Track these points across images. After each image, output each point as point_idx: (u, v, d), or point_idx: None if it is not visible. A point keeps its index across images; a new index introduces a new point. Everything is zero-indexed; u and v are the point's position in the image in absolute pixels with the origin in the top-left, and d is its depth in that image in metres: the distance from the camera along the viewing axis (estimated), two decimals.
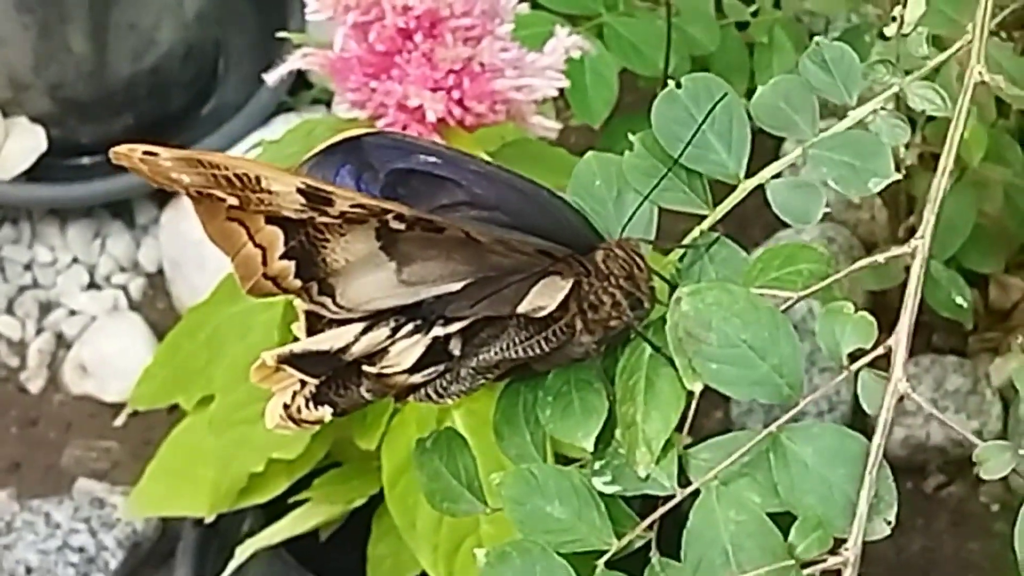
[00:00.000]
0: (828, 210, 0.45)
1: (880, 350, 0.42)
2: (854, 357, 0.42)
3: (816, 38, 0.47)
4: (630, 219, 0.45)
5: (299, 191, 0.40)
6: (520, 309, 0.43)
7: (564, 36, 0.69)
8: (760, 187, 0.45)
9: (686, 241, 0.46)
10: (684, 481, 0.42)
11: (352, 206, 0.41)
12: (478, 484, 0.47)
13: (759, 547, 0.40)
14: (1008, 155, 0.85)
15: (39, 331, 1.08)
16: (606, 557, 0.42)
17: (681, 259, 0.46)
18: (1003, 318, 0.99)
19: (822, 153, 0.45)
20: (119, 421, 1.02)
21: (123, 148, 0.40)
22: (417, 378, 0.45)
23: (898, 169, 0.45)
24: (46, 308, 1.09)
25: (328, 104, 1.13)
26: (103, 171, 1.10)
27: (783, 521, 0.41)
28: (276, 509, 0.79)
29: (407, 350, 0.44)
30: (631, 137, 0.46)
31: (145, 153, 0.40)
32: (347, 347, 0.43)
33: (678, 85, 0.46)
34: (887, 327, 0.42)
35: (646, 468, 0.42)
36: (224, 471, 0.74)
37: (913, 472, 0.98)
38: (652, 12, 0.90)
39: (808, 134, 0.46)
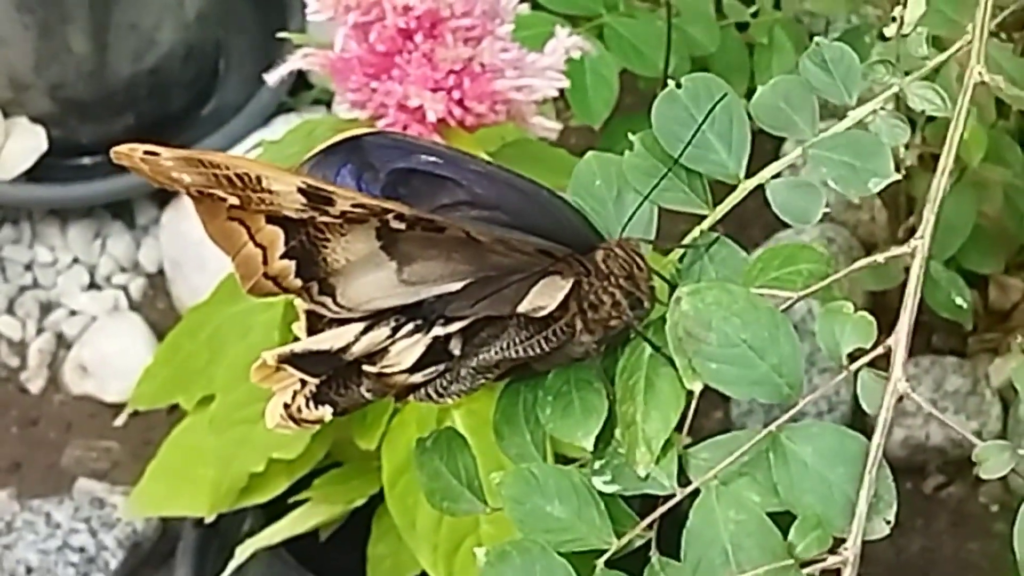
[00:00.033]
0: (828, 210, 0.45)
1: (880, 350, 0.42)
2: (853, 357, 0.42)
3: (816, 38, 0.47)
4: (630, 219, 0.45)
5: (300, 191, 0.40)
6: (520, 309, 0.43)
7: (564, 37, 0.69)
8: (760, 187, 0.45)
9: (686, 241, 0.46)
10: (684, 481, 0.42)
11: (353, 206, 0.41)
12: (478, 483, 0.47)
13: (759, 546, 0.40)
14: (1008, 156, 0.85)
15: (39, 331, 1.08)
16: (606, 556, 0.42)
17: (681, 259, 0.46)
18: (1002, 319, 0.99)
19: (822, 153, 0.45)
20: (119, 421, 1.02)
21: (124, 148, 0.40)
22: (417, 378, 0.45)
23: (898, 169, 0.45)
24: (46, 308, 1.09)
25: (328, 104, 1.13)
26: (104, 171, 1.10)
27: (783, 521, 0.41)
28: (276, 509, 0.79)
29: (407, 350, 0.44)
30: (631, 137, 0.46)
31: (146, 153, 0.40)
32: (347, 347, 0.43)
33: (678, 85, 0.46)
34: (887, 328, 0.42)
35: (646, 467, 0.42)
36: (224, 471, 0.74)
37: (912, 473, 0.98)
38: (652, 13, 0.91)
39: (808, 134, 0.46)
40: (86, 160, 1.12)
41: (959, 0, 0.64)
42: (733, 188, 0.46)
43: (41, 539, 0.95)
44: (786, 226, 0.99)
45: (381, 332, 0.44)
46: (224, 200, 0.40)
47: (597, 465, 0.43)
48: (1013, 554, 0.40)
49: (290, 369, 0.44)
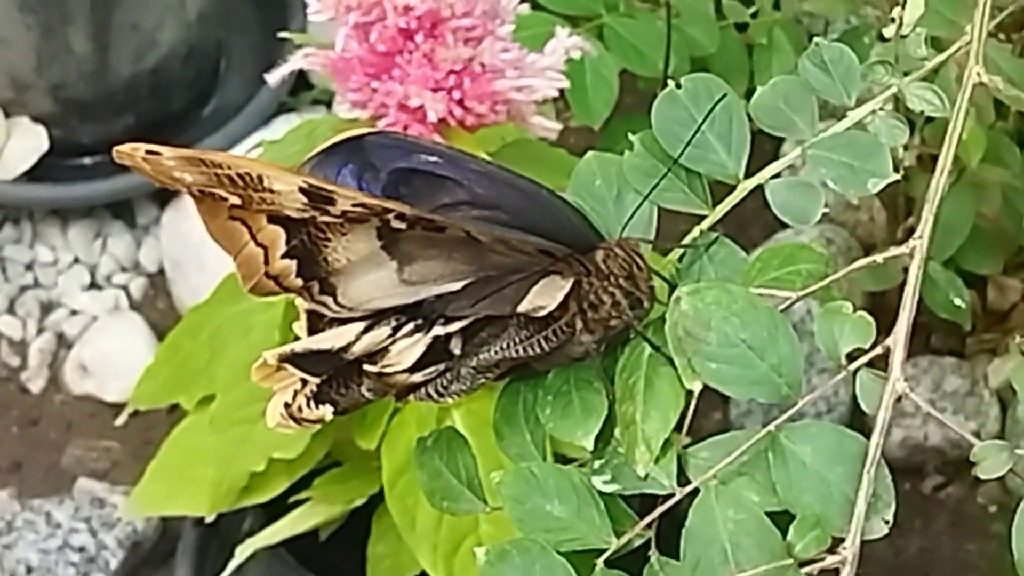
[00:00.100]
0: (827, 211, 0.45)
1: (878, 350, 0.42)
2: (852, 357, 0.42)
3: (815, 39, 0.47)
4: (630, 219, 0.45)
5: (301, 190, 0.40)
6: (520, 308, 0.43)
7: (564, 37, 0.69)
8: (759, 187, 0.45)
9: (686, 241, 0.46)
10: (683, 480, 0.42)
11: (354, 205, 0.41)
12: (478, 483, 0.47)
13: (757, 546, 0.40)
14: (1006, 157, 0.85)
15: (40, 331, 1.08)
16: (605, 556, 0.42)
17: (680, 259, 0.46)
18: (1001, 319, 0.99)
19: (821, 154, 0.45)
20: (120, 421, 1.02)
21: (126, 147, 0.40)
22: (418, 377, 0.45)
23: (896, 170, 0.45)
24: (47, 308, 1.09)
25: (328, 104, 1.13)
26: (104, 171, 1.10)
27: (781, 520, 0.41)
28: (276, 509, 0.79)
29: (408, 349, 0.44)
30: (631, 137, 0.46)
31: (148, 152, 0.40)
32: (348, 346, 0.43)
33: (678, 85, 0.46)
34: (885, 328, 0.42)
35: (645, 467, 0.42)
36: (224, 470, 0.75)
37: (911, 473, 0.98)
38: (652, 13, 0.91)
39: (807, 135, 0.46)
40: (87, 160, 1.13)
41: (958, 1, 0.64)
42: (733, 188, 0.46)
43: (41, 539, 0.95)
44: (785, 226, 0.99)
45: (382, 332, 0.44)
46: (225, 200, 0.41)
47: (597, 465, 0.43)
48: (1011, 554, 0.40)
49: (291, 368, 0.44)
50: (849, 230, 1.03)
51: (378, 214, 0.41)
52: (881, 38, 0.51)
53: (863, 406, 0.42)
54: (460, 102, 0.66)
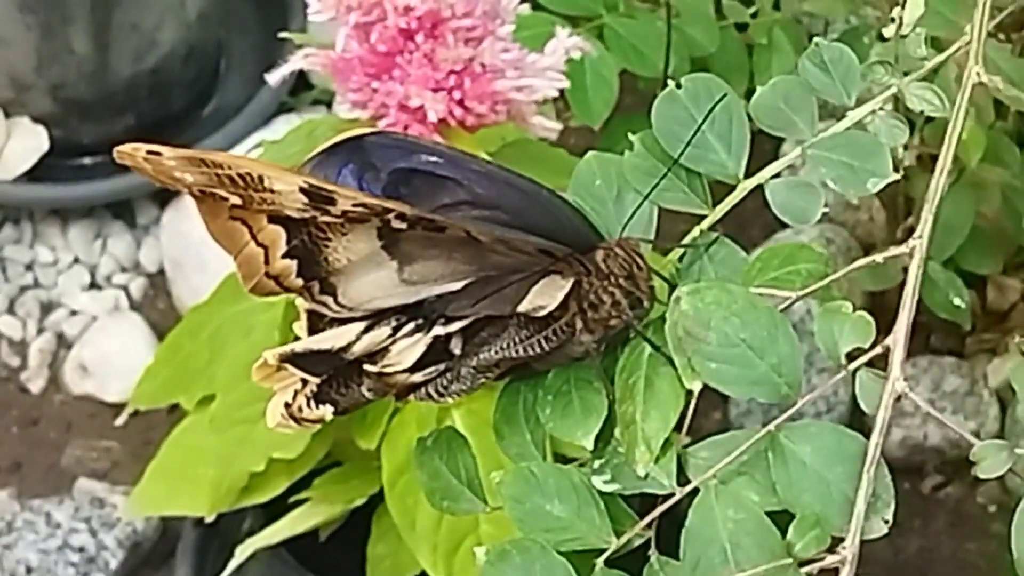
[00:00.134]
0: (827, 211, 0.45)
1: (878, 350, 0.42)
2: (852, 357, 0.42)
3: (815, 39, 0.47)
4: (630, 219, 0.45)
5: (302, 190, 0.40)
6: (520, 308, 0.43)
7: (564, 37, 0.69)
8: (759, 187, 0.45)
9: (686, 241, 0.46)
10: (683, 480, 0.42)
11: (354, 205, 0.41)
12: (478, 483, 0.47)
13: (757, 545, 0.40)
14: (1006, 156, 0.85)
15: (40, 331, 1.08)
16: (605, 555, 0.42)
17: (680, 259, 0.46)
18: (1000, 319, 0.99)
19: (821, 153, 0.45)
20: (120, 421, 1.02)
21: (127, 147, 0.40)
22: (418, 377, 0.45)
23: (896, 170, 0.45)
24: (47, 308, 1.10)
25: (328, 105, 1.13)
26: (104, 171, 1.10)
27: (781, 520, 0.41)
28: (276, 509, 0.79)
29: (408, 349, 0.44)
30: (631, 137, 0.46)
31: (149, 152, 0.40)
32: (348, 346, 0.43)
33: (678, 86, 0.46)
34: (885, 328, 0.42)
35: (645, 467, 0.42)
36: (225, 470, 0.75)
37: (911, 473, 0.98)
38: (652, 13, 0.91)
39: (807, 134, 0.46)
40: (87, 160, 1.13)
41: (957, 1, 0.65)
42: (732, 188, 0.46)
43: (41, 539, 0.95)
44: (785, 226, 0.99)
45: (382, 331, 0.44)
46: (226, 200, 0.41)
47: (597, 464, 0.44)
48: (1011, 554, 0.40)
49: (291, 368, 0.44)
50: (849, 230, 1.03)
51: (379, 214, 0.41)
52: (881, 38, 0.51)
53: (863, 406, 0.42)
54: (460, 102, 0.66)
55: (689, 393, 0.42)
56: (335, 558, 0.81)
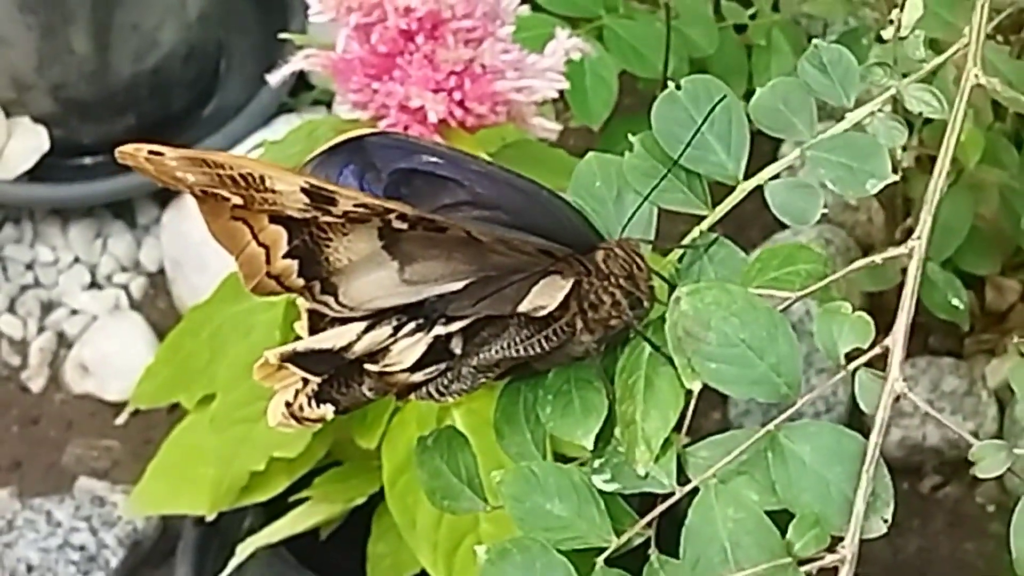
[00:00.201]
0: (826, 212, 0.45)
1: (877, 350, 0.42)
2: (851, 357, 0.42)
3: (814, 41, 0.47)
4: (630, 219, 0.46)
5: (303, 190, 0.40)
6: (521, 308, 0.44)
7: (564, 38, 0.69)
8: (759, 188, 0.46)
9: (685, 241, 0.46)
10: (683, 479, 0.42)
11: (355, 206, 0.41)
12: (478, 482, 0.47)
13: (757, 544, 0.41)
14: (1004, 158, 0.86)
15: (40, 330, 1.08)
16: (605, 554, 0.43)
17: (680, 259, 0.46)
18: (999, 320, 0.99)
19: (820, 155, 0.45)
20: (120, 420, 1.03)
21: (129, 148, 0.40)
22: (418, 376, 0.45)
23: (895, 171, 0.45)
24: (47, 307, 1.10)
25: (328, 105, 1.13)
26: (105, 171, 1.10)
27: (781, 519, 0.41)
28: (276, 508, 0.79)
29: (409, 349, 0.44)
30: (631, 138, 0.46)
31: (150, 152, 0.40)
32: (349, 345, 0.44)
33: (678, 87, 0.46)
34: (884, 328, 0.42)
35: (645, 466, 0.42)
36: (225, 469, 0.75)
37: (909, 473, 0.98)
38: (651, 15, 0.91)
39: (806, 136, 0.46)
40: (87, 160, 1.13)
41: (956, 3, 0.65)
42: (732, 189, 0.46)
43: (42, 537, 0.95)
44: (784, 227, 0.99)
45: (383, 331, 0.44)
46: (228, 200, 0.41)
47: (597, 464, 0.44)
48: (1009, 553, 0.40)
49: (292, 368, 0.44)
50: (848, 231, 1.03)
51: (379, 214, 0.41)
52: (880, 40, 0.51)
53: (862, 406, 0.42)
54: (461, 103, 0.66)
55: (689, 393, 0.42)
56: (335, 557, 0.81)
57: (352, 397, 0.45)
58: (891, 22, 0.49)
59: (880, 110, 0.46)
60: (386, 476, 0.71)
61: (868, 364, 0.42)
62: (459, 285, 0.43)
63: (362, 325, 0.44)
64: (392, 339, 0.44)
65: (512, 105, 0.68)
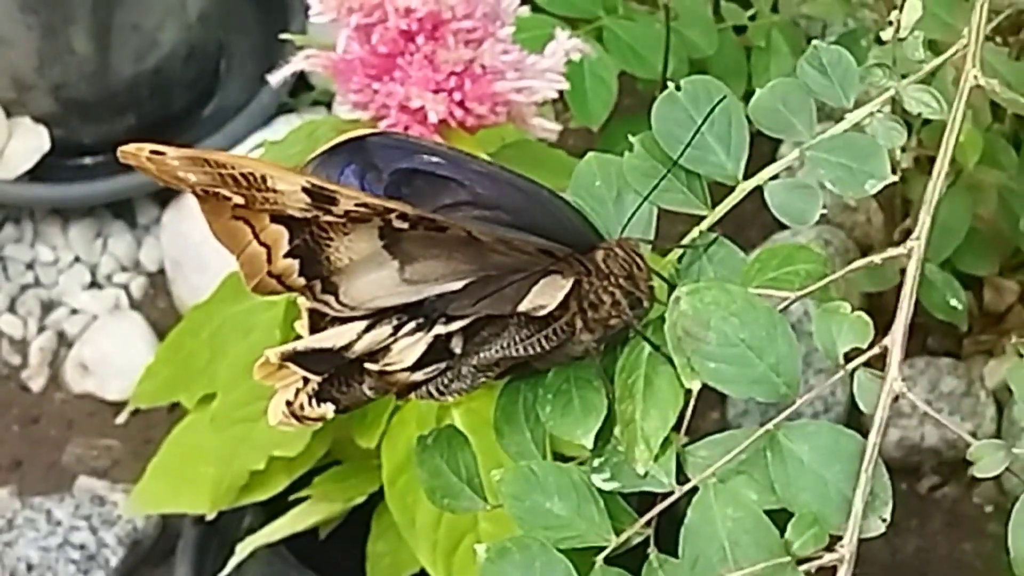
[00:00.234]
0: (825, 212, 0.45)
1: (875, 351, 0.42)
2: (849, 357, 0.42)
3: (813, 42, 0.47)
4: (630, 219, 0.46)
5: (304, 190, 0.40)
6: (521, 308, 0.44)
7: (564, 39, 0.69)
8: (758, 189, 0.46)
9: (685, 241, 0.46)
10: (682, 478, 0.42)
11: (356, 205, 0.41)
12: (478, 481, 0.47)
13: (756, 543, 0.41)
14: (1003, 159, 0.86)
15: (41, 329, 1.08)
16: (605, 553, 0.43)
17: (680, 259, 0.46)
18: (997, 321, 0.99)
19: (819, 155, 0.46)
20: (120, 419, 1.03)
21: (130, 147, 0.40)
22: (419, 376, 0.45)
23: (894, 172, 0.45)
24: (48, 307, 1.10)
25: (328, 106, 1.13)
26: (105, 171, 1.10)
27: (780, 518, 0.41)
28: (276, 507, 0.79)
29: (409, 348, 0.44)
30: (631, 138, 0.46)
31: (152, 152, 0.40)
32: (350, 345, 0.44)
33: (678, 87, 0.46)
34: (882, 329, 0.42)
35: (644, 465, 0.42)
36: (225, 469, 0.75)
37: (908, 473, 0.98)
38: (651, 16, 0.91)
39: (806, 136, 0.46)
40: (88, 160, 1.13)
41: (955, 4, 0.65)
42: (731, 189, 0.46)
43: (42, 536, 0.95)
44: (783, 227, 0.99)
45: (383, 330, 0.44)
46: (229, 199, 0.41)
47: (596, 463, 0.44)
48: (1007, 554, 0.41)
49: (293, 367, 0.44)
50: (847, 231, 1.03)
51: (380, 214, 0.41)
52: (879, 41, 0.51)
53: (861, 406, 0.42)
54: (461, 103, 0.67)
55: (688, 392, 0.42)
56: (335, 556, 0.81)
57: (352, 396, 0.45)
58: (890, 23, 0.49)
59: (879, 111, 0.46)
60: (386, 475, 0.71)
61: (867, 364, 0.42)
62: (459, 285, 0.44)
63: (362, 324, 0.44)
64: (392, 338, 0.44)
65: (512, 106, 0.68)
